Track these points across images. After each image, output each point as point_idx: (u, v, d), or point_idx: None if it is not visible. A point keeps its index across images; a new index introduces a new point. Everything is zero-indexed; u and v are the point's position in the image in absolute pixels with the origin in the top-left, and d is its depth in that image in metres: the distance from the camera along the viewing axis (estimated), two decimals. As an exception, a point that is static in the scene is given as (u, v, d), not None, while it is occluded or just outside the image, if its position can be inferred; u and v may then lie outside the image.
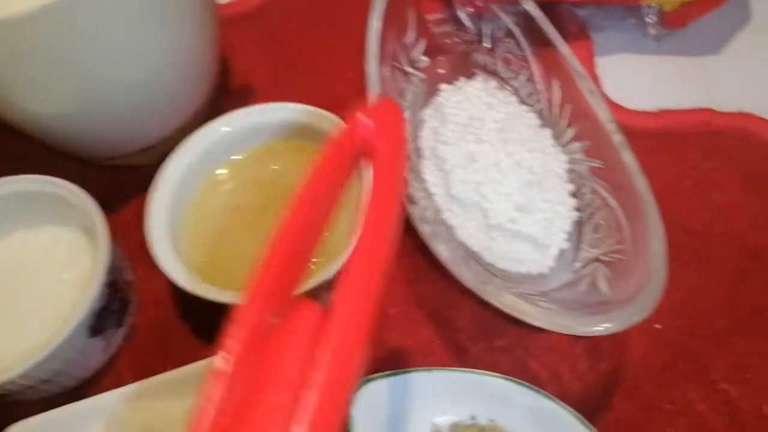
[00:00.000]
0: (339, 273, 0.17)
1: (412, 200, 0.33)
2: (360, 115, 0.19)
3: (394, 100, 0.21)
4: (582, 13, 0.46)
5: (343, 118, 0.43)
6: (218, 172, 0.38)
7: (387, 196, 0.18)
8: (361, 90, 0.36)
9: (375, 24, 0.36)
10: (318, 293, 0.32)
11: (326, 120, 0.36)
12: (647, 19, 0.45)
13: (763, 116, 0.41)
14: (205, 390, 0.16)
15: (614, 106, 0.43)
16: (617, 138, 0.32)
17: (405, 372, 0.31)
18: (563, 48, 0.35)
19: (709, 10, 0.43)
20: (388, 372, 0.31)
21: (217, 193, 0.37)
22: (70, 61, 0.32)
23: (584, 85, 0.34)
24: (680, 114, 0.42)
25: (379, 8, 0.37)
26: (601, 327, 0.26)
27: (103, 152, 0.41)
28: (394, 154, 0.19)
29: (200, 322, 0.37)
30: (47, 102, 0.35)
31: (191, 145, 0.36)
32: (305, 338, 0.16)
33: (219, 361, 0.16)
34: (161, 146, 0.41)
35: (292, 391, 0.15)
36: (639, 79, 0.44)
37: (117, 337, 0.36)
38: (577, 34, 0.46)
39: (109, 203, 0.41)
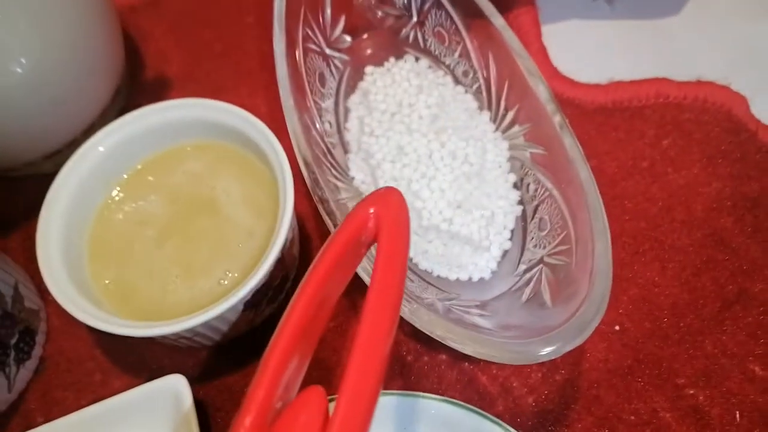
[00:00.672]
0: (348, 357, 0.17)
1: (329, 204, 0.28)
2: (366, 205, 0.20)
3: (396, 189, 0.21)
4: (525, -24, 0.41)
5: (259, 108, 0.39)
6: (119, 180, 0.33)
7: (390, 281, 0.19)
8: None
9: (279, 4, 0.31)
10: (233, 314, 0.29)
11: (233, 115, 0.32)
12: (596, -19, 0.40)
13: (724, 84, 0.37)
14: None
15: (563, 80, 0.39)
16: (557, 119, 0.28)
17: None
18: (497, 20, 0.31)
19: (662, -33, 0.38)
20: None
21: (120, 205, 0.33)
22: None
23: (522, 62, 0.30)
24: (634, 85, 0.38)
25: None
26: (542, 353, 0.22)
27: (-1, 163, 0.36)
28: (397, 243, 0.20)
29: (117, 349, 0.34)
30: None
31: (87, 151, 0.32)
32: (311, 424, 0.17)
33: None
34: (68, 151, 0.36)
35: None
36: (590, 47, 0.40)
37: (23, 372, 0.32)
38: (519, 0, 0.41)
39: (12, 218, 0.37)
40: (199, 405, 0.31)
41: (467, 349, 0.23)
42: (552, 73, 0.39)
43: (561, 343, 0.22)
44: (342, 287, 0.21)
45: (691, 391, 0.30)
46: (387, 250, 0.19)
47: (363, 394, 0.16)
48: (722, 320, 0.32)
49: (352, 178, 0.33)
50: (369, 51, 0.37)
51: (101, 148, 0.32)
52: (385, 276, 0.19)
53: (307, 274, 0.19)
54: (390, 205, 0.20)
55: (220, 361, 0.33)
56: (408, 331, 0.32)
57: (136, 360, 0.33)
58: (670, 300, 0.32)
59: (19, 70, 0.31)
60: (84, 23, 0.34)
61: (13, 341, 0.31)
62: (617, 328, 0.32)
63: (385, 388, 0.31)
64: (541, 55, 0.39)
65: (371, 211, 0.20)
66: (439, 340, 0.24)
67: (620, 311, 0.32)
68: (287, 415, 0.18)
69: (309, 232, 0.35)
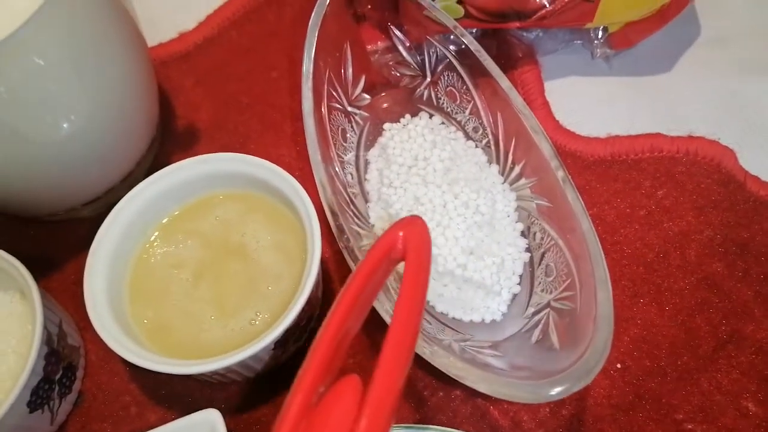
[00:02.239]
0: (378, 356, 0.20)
1: (353, 251, 0.31)
2: (396, 229, 0.24)
3: (420, 217, 0.25)
4: (529, 37, 0.44)
5: (284, 157, 0.42)
6: (158, 227, 0.36)
7: (416, 291, 0.22)
8: (302, 127, 0.34)
9: (307, 66, 0.34)
10: (265, 354, 0.31)
11: (263, 168, 0.35)
12: (594, 41, 0.44)
13: (713, 138, 0.40)
14: None
15: (565, 133, 0.42)
16: (560, 174, 0.31)
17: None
18: (503, 82, 0.34)
19: (654, 29, 0.42)
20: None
21: (158, 250, 0.36)
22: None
23: (527, 121, 0.33)
24: (631, 139, 0.41)
25: (311, 46, 0.35)
26: (552, 393, 0.24)
27: (42, 210, 0.39)
28: (421, 261, 0.23)
29: (152, 384, 0.36)
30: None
31: (127, 203, 0.35)
32: (348, 406, 0.20)
33: (284, 413, 0.20)
34: (106, 197, 0.39)
35: None
36: (589, 102, 0.43)
37: (65, 405, 0.34)
38: (524, 59, 0.45)
39: (53, 260, 0.40)
40: (230, 437, 0.34)
41: (481, 388, 0.25)
42: (555, 127, 0.42)
43: (569, 384, 0.25)
44: (373, 298, 0.25)
45: (690, 426, 0.32)
46: (414, 266, 0.23)
47: (391, 384, 0.19)
48: (717, 359, 0.34)
49: (372, 226, 0.36)
50: (386, 107, 0.40)
51: (141, 199, 0.35)
52: (413, 283, 0.22)
53: (346, 285, 0.22)
54: (416, 228, 0.24)
55: (250, 395, 0.35)
56: (424, 368, 0.34)
57: (169, 394, 0.35)
58: (668, 340, 0.35)
59: (66, 126, 0.34)
60: (128, 83, 0.37)
61: (58, 377, 0.33)
62: (619, 366, 0.34)
63: (402, 422, 0.33)
64: (544, 110, 0.42)
65: (400, 234, 0.23)
66: (457, 379, 0.26)
67: (621, 350, 0.34)
68: (327, 399, 0.20)
69: (331, 274, 0.38)
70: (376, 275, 0.23)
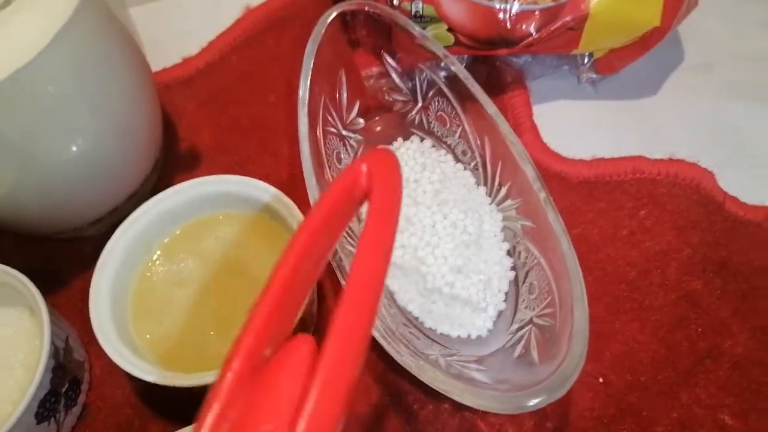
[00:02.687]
0: (335, 304, 0.17)
1: (346, 270, 0.33)
2: (359, 162, 0.20)
3: (389, 149, 0.23)
4: (518, 62, 0.46)
5: (281, 178, 0.44)
6: (160, 246, 0.38)
7: (380, 234, 0.19)
8: (298, 152, 0.36)
9: (303, 91, 0.36)
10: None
11: (261, 190, 0.36)
12: (581, 66, 0.45)
13: (693, 161, 0.42)
14: (204, 407, 0.16)
15: (552, 155, 0.43)
16: (542, 196, 0.33)
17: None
18: (490, 108, 0.36)
19: (637, 56, 0.43)
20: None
21: (160, 267, 0.37)
22: (3, 146, 0.32)
23: (512, 147, 0.35)
24: (614, 162, 0.42)
25: (307, 72, 0.37)
26: (530, 404, 0.26)
27: (48, 229, 0.41)
28: (388, 198, 0.20)
29: (153, 397, 0.37)
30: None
31: (131, 223, 0.36)
32: (299, 371, 0.17)
33: (218, 382, 0.17)
34: (111, 217, 0.41)
35: (287, 420, 0.16)
36: (576, 125, 0.45)
37: (70, 418, 0.36)
38: (513, 83, 0.46)
39: (59, 276, 0.41)
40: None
41: (466, 400, 0.27)
42: (542, 149, 0.44)
43: (545, 395, 0.26)
44: (333, 245, 0.21)
45: (668, 439, 0.34)
46: (378, 205, 0.19)
47: (354, 332, 0.16)
48: (696, 374, 0.35)
49: (365, 245, 0.38)
50: (379, 131, 0.41)
51: (145, 219, 0.37)
52: (378, 219, 0.19)
53: (299, 226, 0.20)
54: (384, 162, 0.21)
55: (247, 409, 0.36)
56: (414, 382, 0.36)
57: (171, 406, 0.37)
58: (649, 355, 0.36)
59: (74, 149, 0.35)
60: (133, 108, 0.38)
61: (64, 390, 0.34)
62: (601, 380, 0.35)
63: (394, 435, 0.34)
64: (532, 132, 0.44)
65: (364, 168, 0.20)
66: (442, 392, 0.28)
67: (604, 364, 0.36)
68: (275, 361, 0.18)
69: (325, 292, 0.40)
70: (336, 217, 0.20)
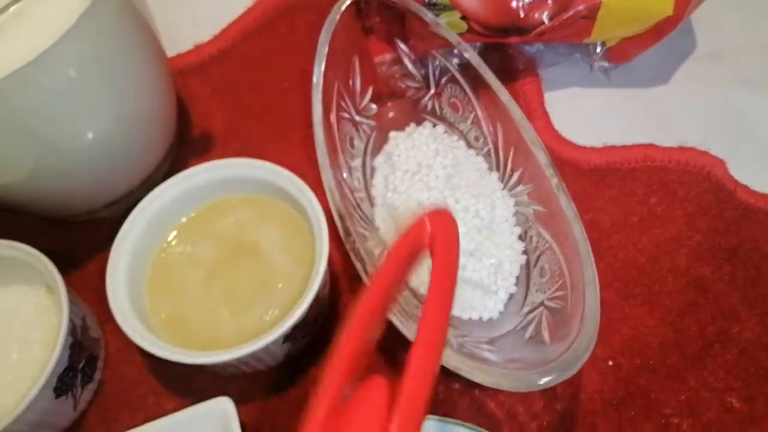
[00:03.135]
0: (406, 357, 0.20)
1: (359, 252, 0.33)
2: (424, 221, 0.23)
3: (449, 211, 0.24)
4: (530, 50, 0.47)
5: (295, 163, 0.44)
6: (175, 228, 0.38)
7: (444, 287, 0.22)
8: (312, 134, 0.36)
9: (317, 77, 0.36)
10: (275, 347, 0.33)
11: (275, 173, 0.37)
12: (593, 55, 0.46)
13: (704, 149, 0.42)
14: None
15: (563, 142, 0.44)
16: (554, 181, 0.33)
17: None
18: (503, 95, 0.36)
19: (650, 45, 0.44)
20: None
21: (175, 249, 0.38)
22: (23, 131, 0.33)
23: (525, 133, 0.35)
24: (625, 150, 0.42)
25: (321, 58, 0.37)
26: (540, 382, 0.26)
27: (65, 212, 0.42)
28: (450, 255, 0.23)
29: (168, 375, 0.38)
30: (2, 173, 0.35)
31: (147, 204, 0.37)
32: (376, 408, 0.19)
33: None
34: (125, 200, 0.41)
35: None
36: (587, 113, 0.45)
37: (86, 393, 0.36)
38: (525, 71, 0.47)
39: (74, 258, 0.42)
40: (242, 426, 0.35)
41: (477, 378, 0.27)
42: (553, 136, 0.44)
43: (556, 374, 0.27)
44: (396, 296, 0.25)
45: (676, 420, 0.34)
46: (442, 261, 0.22)
47: (422, 382, 0.19)
48: (704, 358, 0.36)
49: (377, 228, 0.38)
50: (392, 117, 0.42)
51: (160, 201, 0.37)
52: (441, 279, 0.22)
53: (372, 277, 0.22)
54: (445, 223, 0.23)
55: (261, 387, 0.37)
56: (425, 363, 0.36)
57: (184, 385, 0.37)
58: (658, 339, 0.36)
59: (92, 133, 0.36)
60: (149, 93, 0.39)
61: (81, 366, 0.35)
62: (611, 363, 0.36)
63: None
64: (544, 120, 0.44)
65: (428, 227, 0.23)
66: (454, 370, 0.28)
67: (614, 348, 0.36)
68: (354, 400, 0.20)
69: (338, 274, 0.40)
70: (403, 269, 0.23)
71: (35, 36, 0.31)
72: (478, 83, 0.38)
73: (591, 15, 0.41)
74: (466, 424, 0.31)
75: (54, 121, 0.33)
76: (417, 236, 0.23)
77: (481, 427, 0.34)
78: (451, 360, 0.28)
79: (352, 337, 0.20)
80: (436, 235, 0.23)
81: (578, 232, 0.31)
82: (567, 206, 0.32)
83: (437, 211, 0.23)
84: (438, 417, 0.32)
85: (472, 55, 0.37)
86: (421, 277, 0.36)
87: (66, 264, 0.41)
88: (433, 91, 0.41)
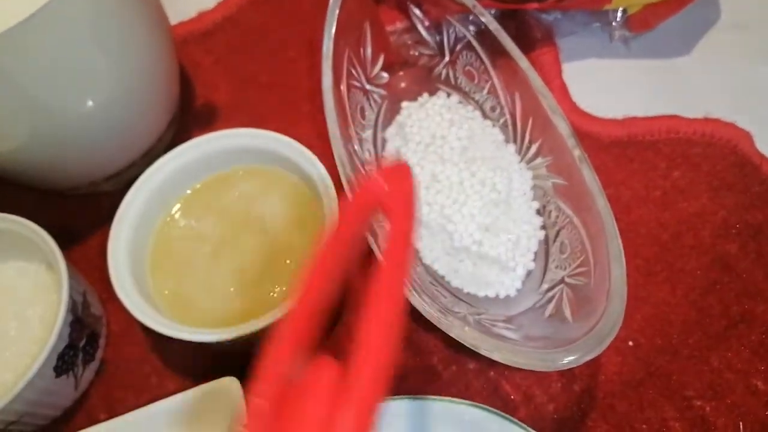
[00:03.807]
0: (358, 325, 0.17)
1: (372, 226, 0.32)
2: (375, 177, 0.21)
3: (407, 165, 0.22)
4: (547, 18, 0.45)
5: (302, 136, 0.43)
6: (179, 201, 0.37)
7: (399, 251, 0.19)
8: (320, 106, 0.35)
9: (327, 44, 0.35)
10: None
11: (282, 144, 0.35)
12: (613, 23, 0.44)
13: (730, 120, 0.40)
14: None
15: (582, 114, 0.42)
16: (577, 153, 0.31)
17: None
18: (522, 62, 0.34)
19: (674, 11, 0.42)
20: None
21: (179, 223, 0.37)
22: (19, 94, 0.31)
23: (544, 101, 0.33)
24: (647, 121, 0.41)
25: (331, 25, 0.36)
26: (564, 361, 0.25)
27: (64, 184, 0.40)
28: (406, 216, 0.20)
29: (171, 354, 0.37)
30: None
31: (149, 177, 0.36)
32: (324, 395, 0.17)
33: (248, 415, 0.17)
34: (127, 173, 0.40)
35: None
36: (607, 84, 0.43)
37: (87, 372, 0.35)
38: (542, 40, 0.45)
39: (75, 232, 0.41)
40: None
41: (496, 356, 0.26)
42: (572, 108, 0.42)
43: (581, 353, 0.25)
44: (351, 259, 0.21)
45: (699, 403, 0.33)
46: (398, 222, 0.20)
47: (376, 363, 0.17)
48: (728, 338, 0.34)
49: (389, 202, 0.37)
50: (404, 84, 0.40)
51: (163, 173, 0.36)
52: (396, 245, 0.19)
53: (318, 245, 0.20)
54: (400, 179, 0.21)
55: (267, 366, 0.36)
56: (438, 341, 0.35)
57: (188, 364, 0.36)
58: (680, 318, 0.35)
59: (91, 103, 0.34)
60: (151, 60, 0.37)
61: (82, 344, 0.34)
62: (631, 343, 0.35)
63: (417, 393, 0.34)
64: (561, 91, 0.43)
65: (382, 183, 0.21)
66: (472, 348, 0.27)
67: (634, 328, 0.35)
68: (300, 385, 0.18)
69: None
70: (355, 232, 0.21)
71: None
72: (495, 50, 0.36)
73: (613, -21, 0.39)
74: (444, 398, 0.30)
75: (50, 85, 0.32)
76: (369, 194, 0.21)
77: (497, 408, 0.33)
78: (470, 338, 0.27)
79: (298, 310, 0.18)
80: (391, 192, 0.20)
81: (602, 205, 0.29)
82: (590, 179, 0.30)
83: (392, 166, 0.22)
84: (410, 396, 0.31)
85: (489, 20, 0.36)
86: (434, 253, 0.35)
87: (66, 239, 0.40)
88: (447, 58, 0.39)
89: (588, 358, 0.25)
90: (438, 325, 0.28)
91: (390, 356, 0.17)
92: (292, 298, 0.19)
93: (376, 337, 0.17)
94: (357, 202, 0.21)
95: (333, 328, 0.36)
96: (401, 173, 0.21)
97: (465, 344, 0.27)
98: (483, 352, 0.26)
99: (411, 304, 0.29)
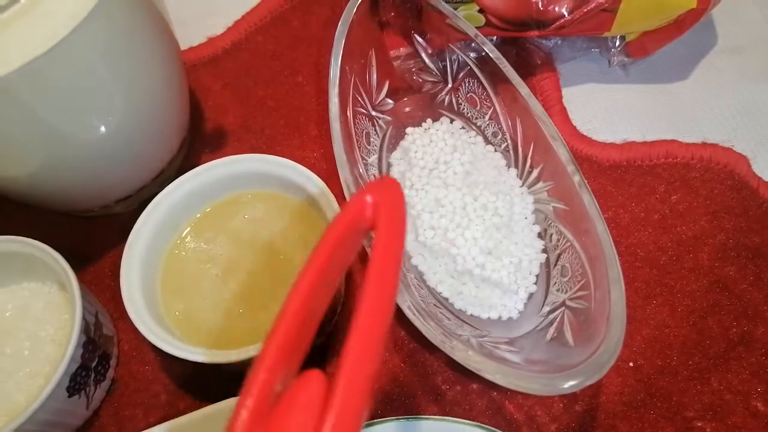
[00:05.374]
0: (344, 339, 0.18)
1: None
2: (364, 193, 0.21)
3: (395, 179, 0.22)
4: (547, 44, 0.46)
5: (310, 158, 0.44)
6: (189, 224, 0.38)
7: (387, 267, 0.19)
8: (327, 129, 0.36)
9: (334, 72, 0.36)
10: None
11: (290, 169, 0.36)
12: (612, 49, 0.45)
13: (727, 145, 0.41)
14: None
15: (582, 138, 0.43)
16: (577, 179, 0.32)
17: (382, 422, 0.31)
18: (523, 89, 0.35)
19: (671, 39, 0.43)
20: (366, 422, 0.31)
21: (189, 246, 0.37)
22: (35, 123, 0.32)
23: (545, 128, 0.34)
24: (646, 146, 0.42)
25: (338, 53, 0.37)
26: (565, 386, 0.25)
27: (78, 206, 0.41)
28: (394, 230, 0.20)
29: (181, 373, 0.37)
30: (14, 166, 0.35)
31: (160, 201, 0.37)
32: (310, 407, 0.17)
33: (232, 420, 0.17)
34: (138, 195, 0.41)
35: None
36: (606, 109, 0.44)
37: (99, 392, 0.36)
38: (543, 66, 0.46)
39: (87, 253, 0.42)
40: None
41: (498, 380, 0.27)
42: (572, 132, 0.43)
43: (582, 378, 0.26)
44: (339, 275, 0.22)
45: (699, 424, 0.33)
46: (385, 239, 0.20)
47: (359, 376, 0.17)
48: (727, 360, 0.35)
49: (394, 225, 0.37)
50: (408, 112, 0.41)
51: (173, 197, 0.37)
52: (384, 258, 0.19)
53: (307, 260, 0.20)
54: (388, 193, 0.21)
55: (275, 387, 0.36)
56: (442, 362, 0.36)
57: (198, 383, 0.37)
58: (680, 340, 0.36)
59: (104, 126, 0.35)
60: (162, 86, 0.38)
61: (94, 364, 0.35)
62: (631, 364, 0.35)
63: (422, 413, 0.35)
64: (562, 115, 0.44)
65: (369, 199, 0.21)
66: (475, 371, 0.28)
67: (634, 349, 0.36)
68: (287, 398, 0.18)
69: (352, 272, 0.40)
70: (343, 249, 0.20)
71: (48, 27, 0.30)
72: (496, 77, 0.37)
73: (612, 8, 0.40)
74: (448, 418, 0.31)
75: (66, 113, 0.33)
76: (356, 210, 0.20)
77: (501, 428, 0.33)
78: (473, 361, 0.27)
79: (284, 326, 0.18)
80: (379, 207, 0.20)
81: (602, 230, 0.30)
82: (590, 204, 0.31)
83: (379, 181, 0.21)
84: (414, 417, 0.31)
85: (491, 49, 0.37)
86: (438, 275, 0.35)
87: (79, 260, 0.41)
88: (450, 85, 0.40)
89: (589, 383, 0.26)
90: (442, 348, 0.29)
91: (373, 368, 0.17)
92: (281, 312, 0.19)
93: (359, 351, 0.17)
94: (343, 217, 0.21)
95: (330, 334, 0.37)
96: (389, 187, 0.21)
97: (468, 368, 0.28)
98: (486, 376, 0.27)
99: (415, 327, 0.29)
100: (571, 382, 0.25)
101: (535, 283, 0.35)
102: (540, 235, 0.36)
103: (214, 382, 0.37)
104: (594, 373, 0.26)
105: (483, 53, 0.38)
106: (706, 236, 0.38)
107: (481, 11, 0.41)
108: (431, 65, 0.41)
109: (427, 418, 0.32)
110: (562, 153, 0.34)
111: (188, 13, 0.52)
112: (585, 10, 0.40)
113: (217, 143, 0.46)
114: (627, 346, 0.35)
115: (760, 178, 0.40)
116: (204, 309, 0.35)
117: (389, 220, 0.20)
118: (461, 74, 0.40)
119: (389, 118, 0.41)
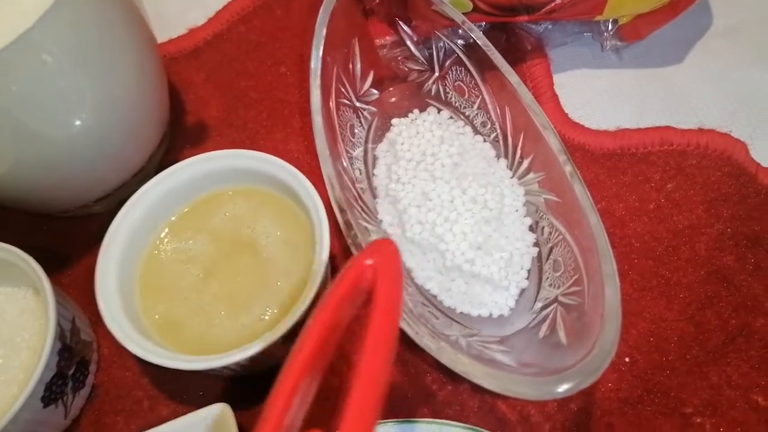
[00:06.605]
0: (345, 395, 0.18)
1: (361, 246, 0.31)
2: (363, 257, 0.22)
3: (391, 241, 0.23)
4: (538, 29, 0.44)
5: (293, 152, 0.42)
6: (167, 224, 0.37)
7: (386, 328, 0.20)
8: (311, 122, 0.34)
9: (315, 62, 0.34)
10: (275, 348, 0.31)
11: (271, 165, 0.35)
12: (604, 33, 0.43)
13: (724, 131, 0.40)
14: None
15: (574, 126, 0.42)
16: (568, 169, 0.31)
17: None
18: (512, 77, 0.34)
19: (665, 21, 0.41)
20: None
21: (168, 246, 0.36)
22: (2, 118, 0.31)
23: (535, 117, 0.33)
24: (640, 133, 0.40)
25: (319, 42, 0.35)
26: (559, 390, 0.24)
27: (54, 207, 0.40)
28: (392, 291, 0.21)
29: (163, 378, 0.36)
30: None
31: (136, 201, 0.35)
32: None
33: None
34: (117, 194, 0.40)
35: None
36: (599, 95, 0.43)
37: (78, 400, 0.35)
38: (533, 51, 0.44)
39: (66, 255, 0.41)
40: (241, 430, 0.34)
41: (487, 384, 0.25)
42: (563, 120, 0.42)
43: (576, 381, 0.25)
44: (340, 334, 0.23)
45: (698, 420, 0.32)
46: (384, 300, 0.20)
47: (366, 417, 0.17)
48: (726, 353, 0.34)
49: (381, 221, 0.36)
50: (394, 102, 0.40)
51: (151, 195, 0.35)
52: (383, 319, 0.20)
53: (311, 320, 0.20)
54: (386, 255, 0.22)
55: (260, 390, 0.35)
56: (433, 362, 0.35)
57: (181, 388, 0.36)
58: (677, 334, 0.35)
59: (78, 123, 0.34)
60: (138, 80, 0.37)
61: (71, 372, 0.34)
62: (627, 360, 0.34)
63: (411, 416, 0.33)
64: (553, 102, 0.42)
65: (369, 262, 0.21)
66: (463, 375, 0.27)
67: (630, 344, 0.34)
68: None
69: (339, 269, 0.38)
70: (344, 309, 0.21)
71: (12, 18, 0.29)
72: (485, 65, 0.36)
73: (604, -10, 0.39)
74: (439, 421, 0.30)
75: (36, 108, 0.32)
76: (357, 275, 0.21)
77: (493, 429, 0.32)
78: (460, 365, 0.26)
79: (285, 394, 0.19)
80: (377, 269, 0.21)
81: (594, 222, 0.29)
82: (582, 195, 0.30)
83: (378, 243, 0.22)
84: (405, 420, 0.30)
85: (478, 35, 0.35)
86: (426, 272, 0.34)
87: (55, 262, 0.40)
88: (437, 74, 0.39)
89: (584, 386, 0.25)
90: (429, 351, 0.27)
91: (373, 426, 0.18)
92: (283, 375, 0.19)
93: (359, 412, 0.18)
94: (344, 280, 0.21)
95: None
96: (386, 249, 0.22)
97: (456, 371, 0.26)
98: (474, 380, 0.26)
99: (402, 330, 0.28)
100: (565, 386, 0.24)
101: (527, 279, 0.34)
102: (531, 228, 0.35)
103: (197, 387, 0.36)
104: (588, 375, 0.25)
105: (470, 40, 0.36)
106: (704, 225, 0.37)
107: (468, -4, 0.40)
108: (417, 53, 0.39)
109: (418, 421, 0.31)
110: (553, 143, 0.32)
111: (167, 4, 0.50)
112: (576, -8, 0.38)
113: (199, 138, 0.45)
114: (623, 341, 0.34)
115: (758, 164, 0.39)
116: (185, 312, 0.34)
117: (387, 281, 0.21)
118: (448, 62, 0.38)
119: (374, 109, 0.39)
